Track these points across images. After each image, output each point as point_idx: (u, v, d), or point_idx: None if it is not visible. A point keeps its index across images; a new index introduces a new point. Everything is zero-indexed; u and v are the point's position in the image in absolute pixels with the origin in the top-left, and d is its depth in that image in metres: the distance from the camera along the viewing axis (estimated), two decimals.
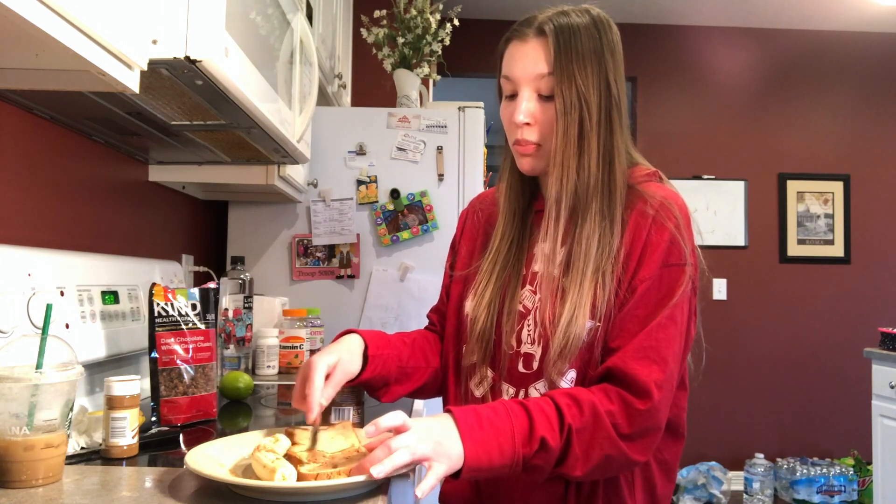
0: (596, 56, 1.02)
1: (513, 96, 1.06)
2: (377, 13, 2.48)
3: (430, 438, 0.85)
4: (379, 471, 0.80)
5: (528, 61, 1.03)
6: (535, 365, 1.04)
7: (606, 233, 1.01)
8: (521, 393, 1.05)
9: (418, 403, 1.65)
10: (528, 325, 1.06)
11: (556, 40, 1.01)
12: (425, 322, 1.31)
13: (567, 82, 1.01)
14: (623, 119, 1.06)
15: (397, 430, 0.87)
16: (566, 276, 1.02)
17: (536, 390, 1.03)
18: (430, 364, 1.18)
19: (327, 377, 1.00)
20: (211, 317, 1.29)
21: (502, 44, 1.09)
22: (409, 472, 0.84)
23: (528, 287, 1.08)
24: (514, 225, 1.12)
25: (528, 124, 1.04)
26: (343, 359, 1.03)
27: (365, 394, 1.15)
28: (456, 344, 1.16)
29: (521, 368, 1.05)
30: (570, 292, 1.00)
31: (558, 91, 1.01)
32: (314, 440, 0.93)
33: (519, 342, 1.06)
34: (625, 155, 1.06)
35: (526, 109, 1.03)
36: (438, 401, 1.22)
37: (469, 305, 1.12)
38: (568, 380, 1.00)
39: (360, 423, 1.02)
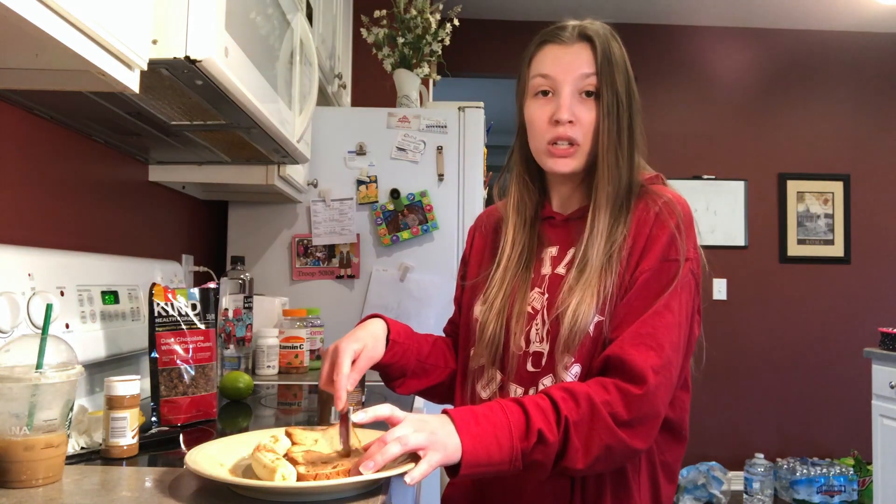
0: (623, 63, 1.09)
1: (546, 93, 1.10)
2: (377, 13, 2.48)
3: (425, 429, 0.85)
4: (370, 468, 0.80)
5: (573, 62, 1.08)
6: (544, 361, 1.05)
7: (619, 222, 1.06)
8: (531, 391, 1.06)
9: (419, 401, 1.65)
10: (537, 325, 1.08)
11: (601, 46, 1.08)
12: (425, 322, 1.32)
13: (609, 85, 1.07)
14: (641, 120, 1.12)
15: (391, 423, 0.87)
16: (581, 267, 1.05)
17: (544, 386, 1.05)
18: (448, 365, 1.22)
19: (353, 363, 1.03)
20: (211, 317, 1.30)
21: (535, 46, 1.13)
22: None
23: (536, 289, 1.11)
24: (524, 233, 1.16)
25: (570, 122, 1.08)
26: (368, 345, 1.07)
27: (366, 395, 1.15)
28: (464, 347, 1.18)
29: (529, 367, 1.07)
30: (583, 277, 1.03)
31: (603, 93, 1.07)
32: (346, 436, 0.92)
33: (528, 342, 1.08)
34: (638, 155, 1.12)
35: (570, 108, 1.07)
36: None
37: (478, 310, 1.14)
38: (572, 374, 1.02)
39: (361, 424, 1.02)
